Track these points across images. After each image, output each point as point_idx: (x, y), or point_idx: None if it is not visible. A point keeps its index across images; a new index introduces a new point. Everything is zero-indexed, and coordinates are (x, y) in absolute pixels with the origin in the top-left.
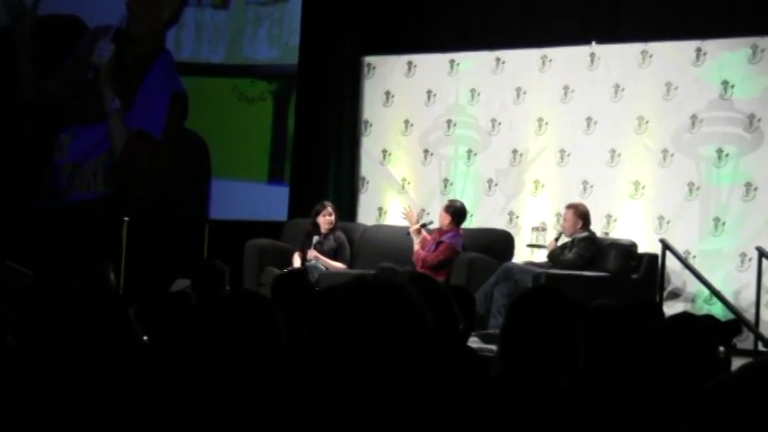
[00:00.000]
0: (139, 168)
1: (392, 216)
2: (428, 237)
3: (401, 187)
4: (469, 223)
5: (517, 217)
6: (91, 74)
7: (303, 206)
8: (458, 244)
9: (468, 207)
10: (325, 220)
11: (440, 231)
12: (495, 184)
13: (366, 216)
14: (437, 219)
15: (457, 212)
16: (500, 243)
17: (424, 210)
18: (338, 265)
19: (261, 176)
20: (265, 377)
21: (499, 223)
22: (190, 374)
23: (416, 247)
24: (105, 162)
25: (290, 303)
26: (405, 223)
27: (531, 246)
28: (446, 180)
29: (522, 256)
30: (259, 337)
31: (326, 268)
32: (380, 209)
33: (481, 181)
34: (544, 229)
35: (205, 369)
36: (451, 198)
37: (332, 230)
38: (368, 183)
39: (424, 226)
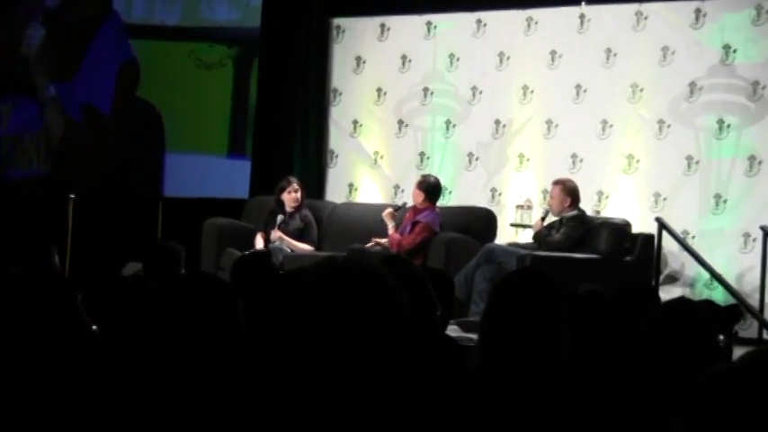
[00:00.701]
0: (86, 144)
1: (363, 193)
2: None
3: (373, 161)
4: (448, 200)
5: (500, 194)
6: (20, 67)
7: (266, 182)
8: (435, 223)
9: (446, 183)
10: (291, 197)
11: (414, 210)
12: (476, 158)
13: (335, 193)
14: (411, 196)
15: (430, 188)
16: (481, 222)
17: (398, 186)
18: (304, 246)
19: (220, 150)
20: (224, 368)
21: (480, 201)
22: (142, 366)
23: (390, 230)
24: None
25: (252, 288)
26: (378, 200)
27: (515, 225)
28: (422, 153)
29: (505, 236)
30: (218, 325)
31: (292, 250)
32: (351, 185)
33: (461, 154)
34: (529, 207)
35: (159, 360)
36: (426, 173)
37: (298, 209)
38: (337, 157)
39: (398, 209)
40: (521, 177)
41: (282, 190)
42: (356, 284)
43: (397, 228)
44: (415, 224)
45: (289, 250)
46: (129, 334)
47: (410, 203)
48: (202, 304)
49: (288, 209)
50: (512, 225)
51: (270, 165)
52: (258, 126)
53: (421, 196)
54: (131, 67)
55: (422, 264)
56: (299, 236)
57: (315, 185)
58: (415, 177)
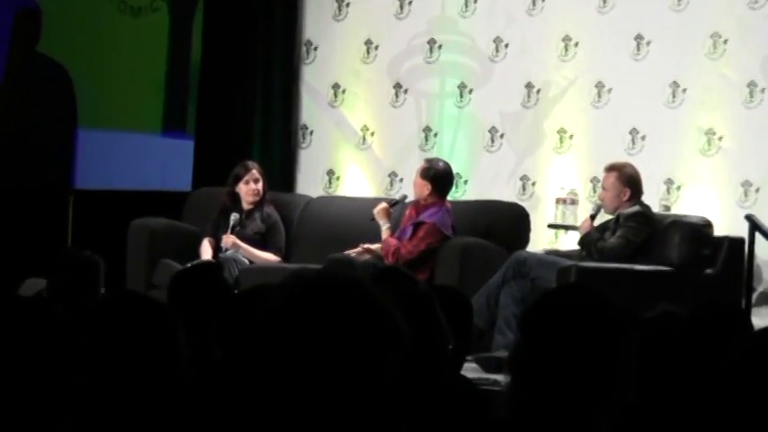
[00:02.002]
0: None
1: (348, 183)
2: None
3: (361, 140)
4: (462, 193)
5: (533, 183)
6: None
7: (215, 169)
8: (444, 224)
9: (460, 169)
10: (249, 189)
11: (416, 207)
12: (501, 135)
13: (309, 183)
14: (412, 187)
15: (438, 177)
16: (508, 222)
17: (395, 173)
18: (267, 256)
19: (152, 125)
20: (159, 416)
21: (507, 193)
22: (45, 417)
23: (385, 234)
24: None
25: (197, 313)
26: (367, 193)
27: (554, 226)
28: (427, 129)
29: (541, 241)
30: (150, 361)
31: (250, 261)
32: (331, 172)
33: (480, 130)
34: (574, 202)
35: (69, 409)
36: (432, 157)
37: (258, 205)
38: (311, 134)
39: (395, 204)
40: (562, 161)
41: (238, 179)
42: (336, 307)
43: (393, 230)
44: (417, 225)
45: (246, 261)
46: (27, 373)
47: (411, 197)
48: (129, 335)
49: (245, 205)
50: (550, 226)
51: (220, 145)
52: (203, 93)
53: (426, 188)
54: (31, 15)
55: (428, 279)
56: (261, 242)
57: (282, 173)
58: (417, 161)
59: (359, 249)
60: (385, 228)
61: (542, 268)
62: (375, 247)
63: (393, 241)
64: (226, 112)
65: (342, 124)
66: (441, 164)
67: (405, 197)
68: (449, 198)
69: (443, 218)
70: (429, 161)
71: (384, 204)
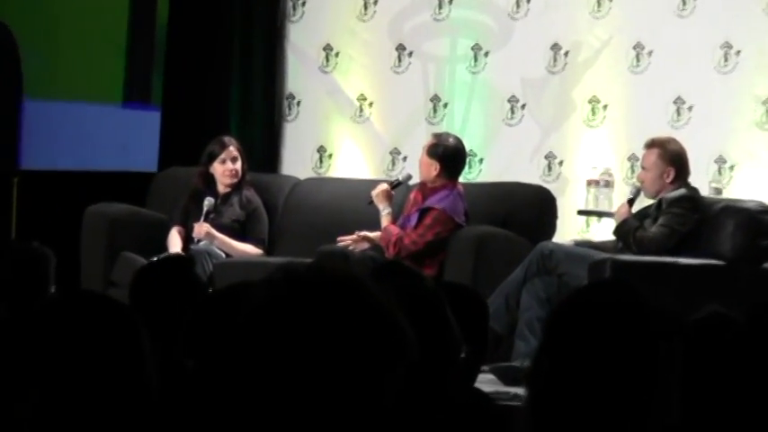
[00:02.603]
0: None
1: (342, 162)
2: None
3: (358, 111)
4: (477, 174)
5: (560, 163)
6: None
7: (186, 146)
8: (456, 210)
9: (473, 146)
10: (226, 169)
11: (423, 190)
12: (522, 106)
13: (296, 162)
14: (418, 167)
15: (448, 156)
16: (531, 208)
17: (397, 150)
18: (247, 248)
19: (111, 95)
20: None
21: (530, 174)
22: None
23: (385, 220)
24: None
25: (165, 315)
26: (364, 174)
27: (585, 213)
28: (436, 98)
29: (569, 230)
30: (109, 372)
31: (227, 254)
32: (322, 150)
33: (497, 100)
34: (608, 184)
35: (20, 422)
36: (441, 131)
37: (237, 188)
38: (299, 104)
39: (397, 186)
40: (594, 136)
41: (212, 158)
42: (329, 309)
43: (395, 217)
44: (424, 212)
45: (222, 254)
46: None
47: (416, 178)
48: (84, 341)
49: (221, 188)
50: (580, 213)
51: (191, 118)
52: (171, 58)
53: (434, 167)
54: None
55: (436, 275)
56: (239, 231)
57: (264, 151)
58: (424, 137)
59: (354, 236)
60: (385, 213)
61: (571, 262)
62: (374, 235)
63: (395, 229)
64: (197, 79)
65: (335, 93)
66: (451, 140)
67: (409, 177)
68: (461, 180)
69: (454, 203)
70: (437, 136)
71: (384, 186)
